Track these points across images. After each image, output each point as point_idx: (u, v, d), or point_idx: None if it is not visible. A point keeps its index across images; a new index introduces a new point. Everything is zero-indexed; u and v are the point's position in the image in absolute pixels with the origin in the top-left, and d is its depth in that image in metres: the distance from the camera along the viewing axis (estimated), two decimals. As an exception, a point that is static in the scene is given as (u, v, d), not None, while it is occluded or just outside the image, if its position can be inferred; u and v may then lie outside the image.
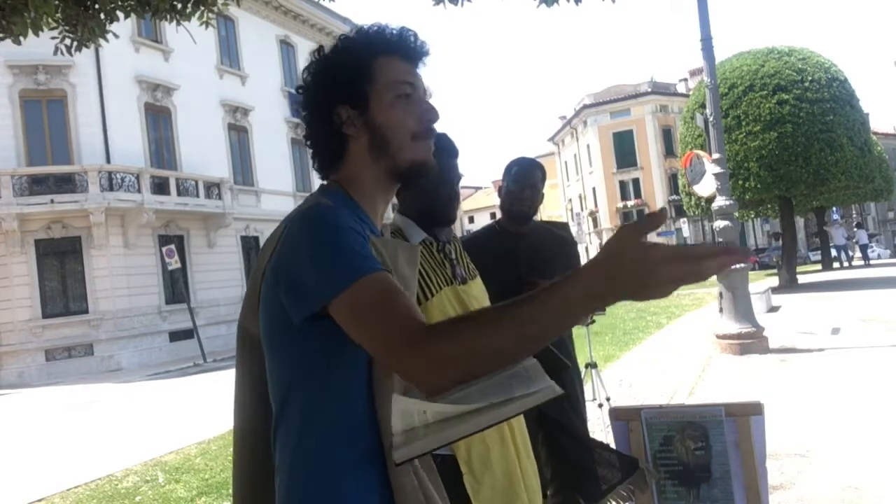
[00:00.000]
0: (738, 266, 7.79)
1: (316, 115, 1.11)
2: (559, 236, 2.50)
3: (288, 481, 1.03)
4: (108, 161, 17.53)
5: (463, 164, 1.92)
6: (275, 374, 1.05)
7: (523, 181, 2.39)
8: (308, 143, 1.14)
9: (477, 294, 1.80)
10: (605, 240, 41.38)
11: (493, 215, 56.12)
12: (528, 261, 2.36)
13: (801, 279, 17.86)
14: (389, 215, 1.80)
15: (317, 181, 1.20)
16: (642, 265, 0.74)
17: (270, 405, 1.08)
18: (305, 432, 1.01)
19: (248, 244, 22.06)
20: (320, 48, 1.14)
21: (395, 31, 1.11)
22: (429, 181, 1.74)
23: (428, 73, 1.20)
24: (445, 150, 1.83)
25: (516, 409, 0.95)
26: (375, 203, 1.12)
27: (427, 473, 1.12)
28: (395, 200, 1.39)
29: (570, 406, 2.31)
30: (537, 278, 2.31)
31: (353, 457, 1.01)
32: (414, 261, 1.13)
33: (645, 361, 7.91)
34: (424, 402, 0.96)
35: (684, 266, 0.74)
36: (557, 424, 2.21)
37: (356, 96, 1.08)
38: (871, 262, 26.55)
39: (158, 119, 19.49)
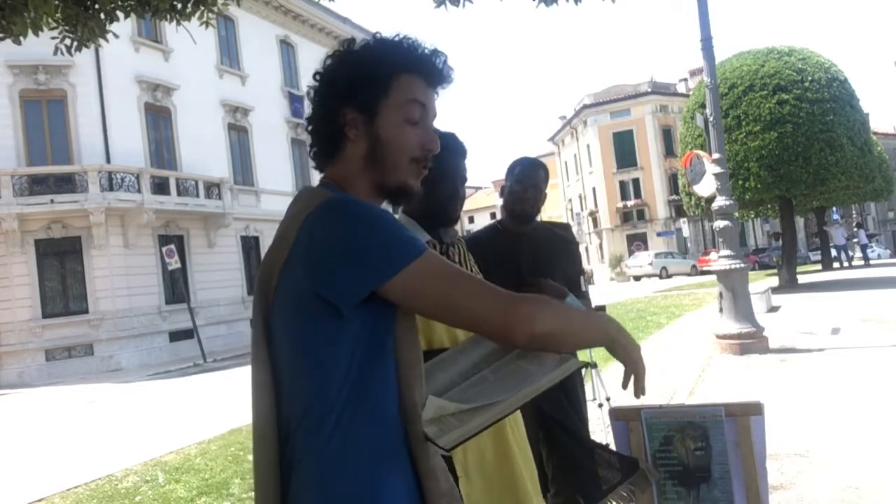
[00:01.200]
0: (739, 265, 7.79)
1: (323, 105, 1.12)
2: (560, 236, 2.50)
3: (318, 472, 1.02)
4: (108, 161, 17.53)
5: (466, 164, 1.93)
6: (302, 370, 1.05)
7: (526, 181, 2.39)
8: (309, 128, 1.16)
9: None
10: (605, 240, 41.20)
11: (493, 215, 56.14)
12: (530, 260, 2.36)
13: (801, 279, 17.85)
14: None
15: (316, 181, 1.20)
16: (633, 344, 1.19)
17: (280, 402, 1.09)
18: (340, 425, 1.02)
19: (248, 244, 22.07)
20: (351, 40, 1.15)
21: (425, 51, 1.12)
22: (431, 180, 1.74)
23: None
24: (452, 149, 1.82)
25: (544, 385, 1.07)
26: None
27: None
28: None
29: (570, 406, 2.31)
30: (538, 279, 2.32)
31: (386, 444, 1.04)
32: None
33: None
34: (454, 403, 1.04)
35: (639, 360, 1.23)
36: (558, 424, 2.21)
37: (367, 104, 1.09)
38: (871, 262, 26.55)
39: (158, 119, 19.49)
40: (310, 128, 1.15)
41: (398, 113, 1.10)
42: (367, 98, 1.09)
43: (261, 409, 1.13)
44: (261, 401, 1.12)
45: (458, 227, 2.00)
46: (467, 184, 2.02)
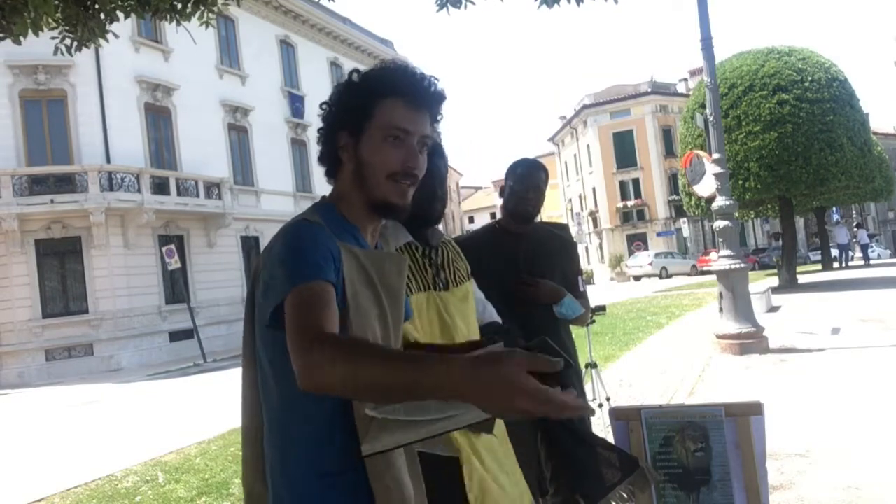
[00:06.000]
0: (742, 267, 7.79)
1: (326, 130, 1.23)
2: (559, 237, 2.51)
3: (276, 471, 1.14)
4: (108, 161, 17.53)
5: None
6: (263, 373, 1.16)
7: (528, 182, 2.39)
8: (318, 150, 1.27)
9: (456, 301, 1.75)
10: (605, 240, 40.83)
11: (493, 215, 56.08)
12: (529, 260, 2.36)
13: (801, 279, 17.85)
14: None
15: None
16: (511, 391, 0.83)
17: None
18: (286, 427, 1.12)
19: (248, 244, 22.07)
20: (353, 71, 1.23)
21: (408, 76, 1.19)
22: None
23: (428, 74, 1.21)
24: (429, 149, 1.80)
25: (453, 424, 0.99)
26: (363, 220, 1.23)
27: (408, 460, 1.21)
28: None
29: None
30: (536, 278, 2.31)
31: (331, 443, 1.10)
32: (402, 270, 1.21)
33: (645, 361, 7.91)
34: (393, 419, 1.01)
35: (537, 406, 0.82)
36: (559, 423, 2.21)
37: (354, 128, 1.19)
38: (871, 262, 26.55)
39: (158, 119, 19.49)
40: (319, 150, 1.26)
41: (377, 135, 1.17)
42: (354, 123, 1.18)
43: (246, 406, 1.23)
44: (247, 398, 1.23)
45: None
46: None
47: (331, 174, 1.24)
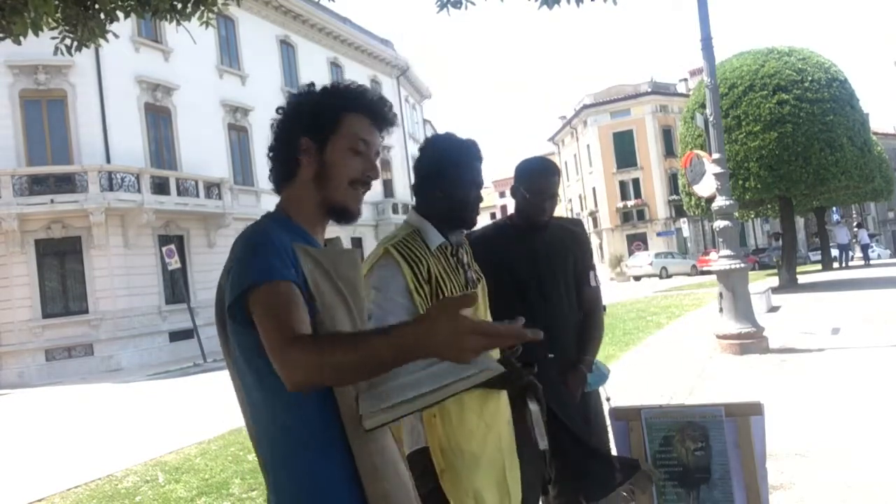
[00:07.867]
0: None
1: (284, 135, 1.31)
2: (572, 232, 2.49)
3: (276, 472, 1.19)
4: (108, 161, 17.54)
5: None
6: (242, 373, 1.22)
7: (546, 190, 2.35)
8: (270, 154, 1.33)
9: (480, 300, 1.82)
10: (605, 240, 40.88)
11: (493, 215, 56.04)
12: (546, 256, 2.34)
13: (801, 279, 17.84)
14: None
15: None
16: (454, 334, 0.95)
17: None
18: (272, 420, 1.19)
19: (248, 244, 22.05)
20: (311, 83, 1.35)
21: (373, 98, 1.33)
22: (449, 182, 1.78)
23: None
24: (473, 153, 1.86)
25: (461, 386, 1.07)
26: (313, 223, 1.31)
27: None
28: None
29: (575, 408, 2.32)
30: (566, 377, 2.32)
31: (317, 432, 1.17)
32: (355, 263, 1.30)
33: (645, 361, 7.90)
34: (384, 397, 1.10)
35: (484, 340, 0.96)
36: (563, 426, 2.21)
37: (320, 135, 1.28)
38: (871, 262, 26.54)
39: (158, 119, 19.49)
40: (270, 154, 1.33)
41: (344, 143, 1.28)
42: (321, 130, 1.28)
43: (241, 409, 1.29)
44: (239, 401, 1.29)
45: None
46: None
47: (286, 177, 1.30)
